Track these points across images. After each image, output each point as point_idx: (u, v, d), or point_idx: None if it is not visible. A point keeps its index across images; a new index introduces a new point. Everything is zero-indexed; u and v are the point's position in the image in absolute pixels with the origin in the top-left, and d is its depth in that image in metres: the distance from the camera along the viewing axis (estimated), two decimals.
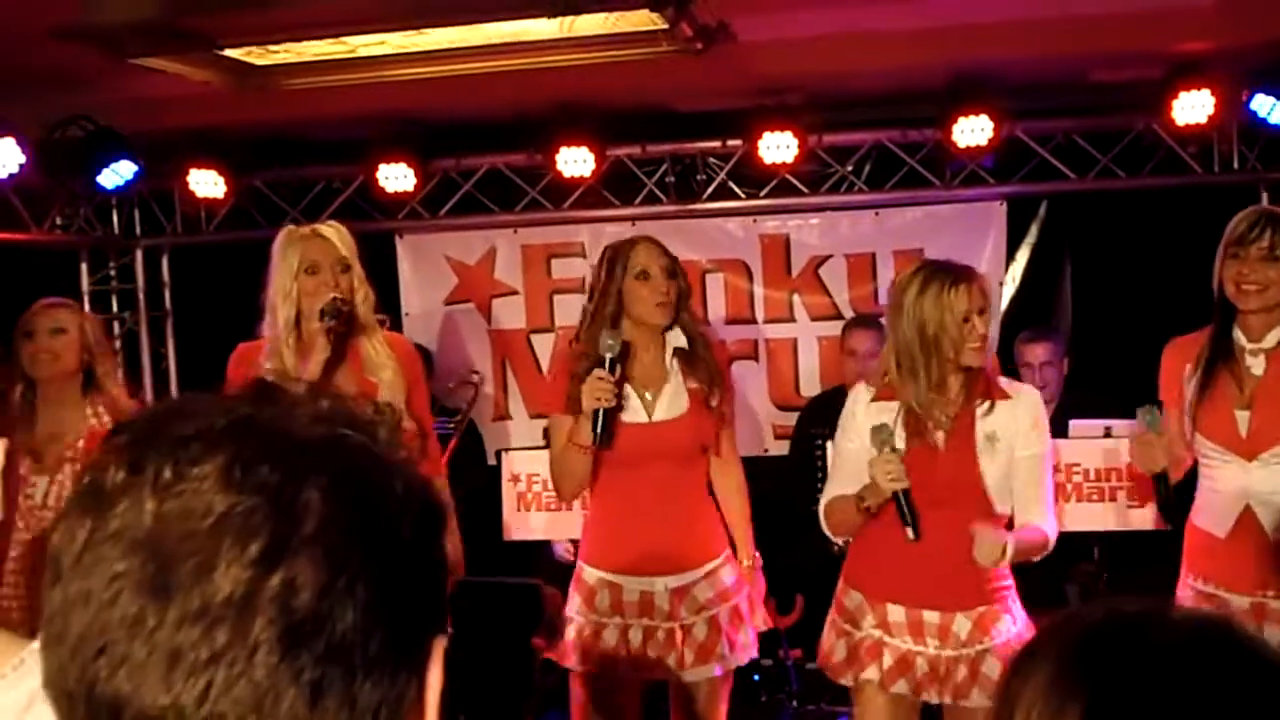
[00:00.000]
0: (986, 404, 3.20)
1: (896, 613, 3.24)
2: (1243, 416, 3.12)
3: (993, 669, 3.16)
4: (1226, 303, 3.16)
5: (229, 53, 3.97)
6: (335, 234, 3.36)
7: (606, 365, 3.29)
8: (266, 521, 0.73)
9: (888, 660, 3.23)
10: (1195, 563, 3.28)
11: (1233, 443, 3.13)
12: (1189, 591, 3.28)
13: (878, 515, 3.24)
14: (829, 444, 4.84)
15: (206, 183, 5.75)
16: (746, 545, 3.67)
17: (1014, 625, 3.24)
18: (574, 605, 3.57)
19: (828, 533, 3.46)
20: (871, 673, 3.24)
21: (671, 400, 3.50)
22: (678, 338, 3.53)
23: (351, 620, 0.74)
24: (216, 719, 0.72)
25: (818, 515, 4.85)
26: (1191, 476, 3.34)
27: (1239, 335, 3.18)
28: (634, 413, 3.48)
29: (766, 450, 6.01)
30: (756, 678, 5.62)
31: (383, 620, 0.75)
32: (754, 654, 3.65)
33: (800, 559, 5.33)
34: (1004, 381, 3.31)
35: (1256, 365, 3.16)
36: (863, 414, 3.29)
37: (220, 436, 0.76)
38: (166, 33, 3.72)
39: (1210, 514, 3.21)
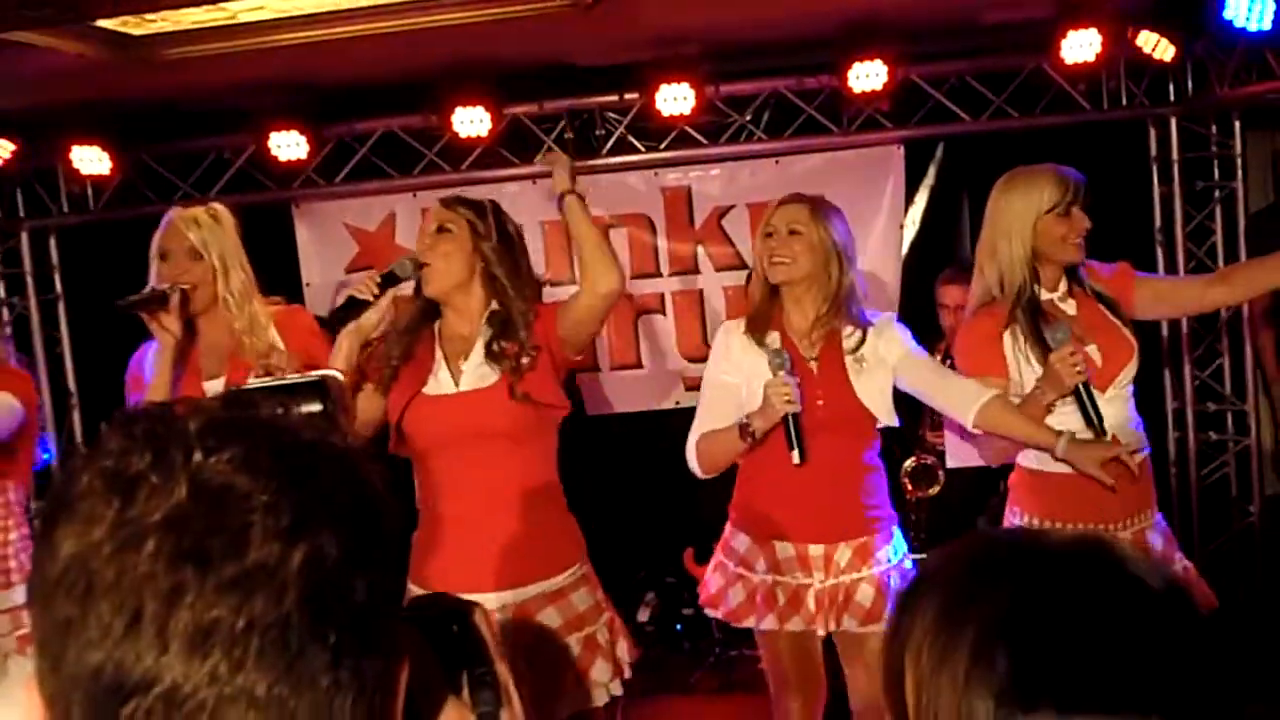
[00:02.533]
0: (849, 327, 3.35)
1: (784, 549, 3.32)
2: (1092, 350, 3.31)
3: (866, 596, 3.28)
4: (1038, 260, 3.33)
5: (102, 23, 3.83)
6: (188, 220, 3.29)
7: (384, 278, 3.08)
8: (289, 501, 0.78)
9: (781, 600, 3.31)
10: (1053, 508, 3.36)
11: (1092, 376, 3.27)
12: None
13: (758, 449, 3.30)
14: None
15: (91, 159, 5.56)
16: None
17: (893, 555, 3.35)
18: None
19: (695, 469, 3.42)
20: (770, 621, 3.32)
21: (478, 369, 3.10)
22: (493, 303, 3.17)
23: (363, 594, 0.80)
24: (249, 688, 0.75)
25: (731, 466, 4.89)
26: None
27: (1038, 290, 3.36)
28: (440, 384, 3.11)
29: (678, 403, 6.03)
30: (679, 628, 5.69)
31: (380, 600, 0.82)
32: (616, 692, 3.12)
33: (715, 508, 5.38)
34: (866, 311, 3.42)
35: (1069, 307, 3.38)
36: (738, 347, 3.35)
37: (232, 430, 0.81)
38: (35, 3, 3.58)
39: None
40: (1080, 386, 3.19)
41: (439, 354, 3.15)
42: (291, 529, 0.78)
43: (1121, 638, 0.91)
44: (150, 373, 3.25)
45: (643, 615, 5.79)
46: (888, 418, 3.35)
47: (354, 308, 3.03)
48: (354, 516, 0.82)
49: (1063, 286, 3.39)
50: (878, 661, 3.43)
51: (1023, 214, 3.32)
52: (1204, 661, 0.92)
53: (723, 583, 3.42)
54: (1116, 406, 3.33)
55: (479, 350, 3.11)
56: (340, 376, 1.04)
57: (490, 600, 2.94)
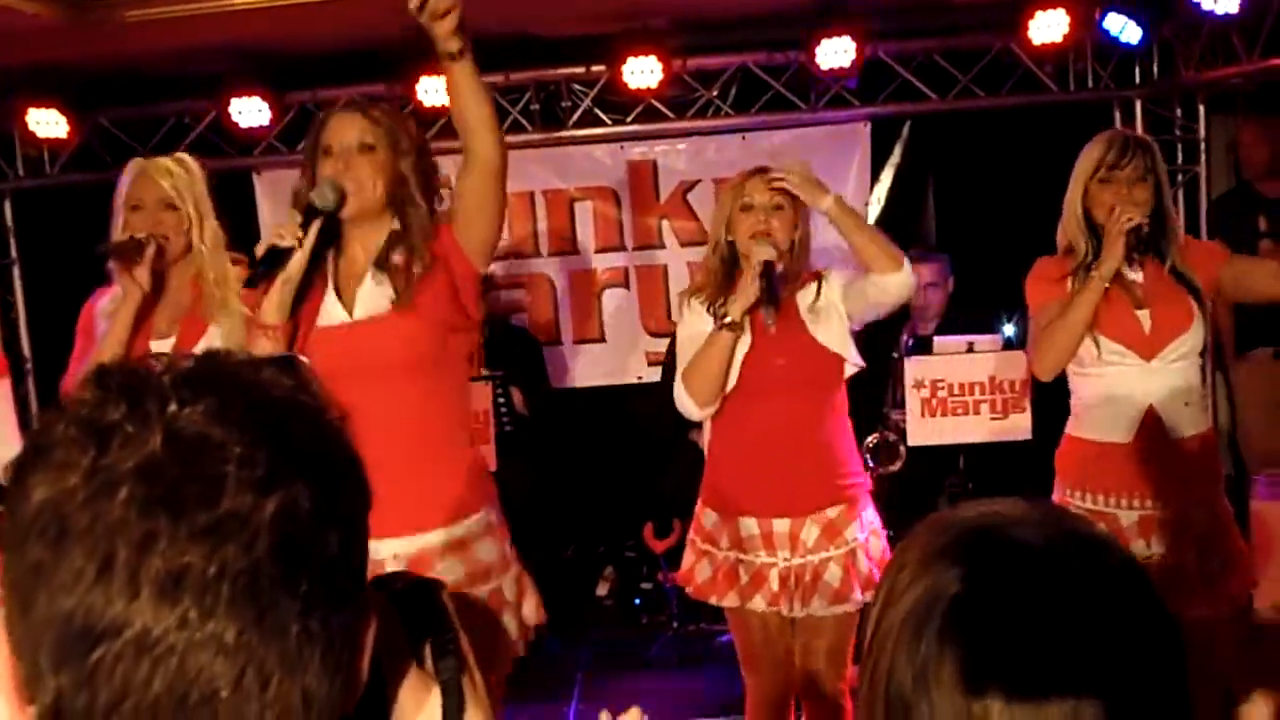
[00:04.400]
0: (800, 284, 3.31)
1: (749, 525, 3.29)
2: (1143, 315, 3.23)
3: (834, 576, 3.24)
4: (1093, 225, 3.26)
5: None
6: (161, 169, 3.18)
7: (304, 215, 2.70)
8: (264, 453, 0.79)
9: (744, 578, 3.29)
10: (1081, 477, 3.32)
11: (1136, 341, 3.22)
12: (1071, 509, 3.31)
13: (725, 423, 3.30)
14: None
15: (48, 122, 5.49)
16: None
17: (861, 532, 3.29)
18: None
19: (689, 406, 3.31)
20: (731, 598, 3.30)
21: (371, 294, 2.76)
22: (393, 222, 2.80)
23: (334, 548, 0.81)
24: (219, 634, 0.76)
25: (693, 443, 4.91)
26: (1057, 393, 3.44)
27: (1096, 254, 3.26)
28: (331, 314, 2.78)
29: (640, 377, 6.04)
30: (638, 602, 5.70)
31: (350, 554, 0.83)
32: (520, 653, 2.88)
33: (675, 483, 5.40)
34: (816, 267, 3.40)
35: (1133, 274, 3.29)
36: (701, 311, 3.34)
37: (207, 382, 0.82)
38: None
39: (1106, 422, 3.27)
40: (1131, 234, 3.13)
41: (330, 280, 2.81)
42: (265, 480, 0.78)
43: (1052, 621, 0.91)
44: (103, 325, 3.17)
45: (601, 589, 5.80)
46: (854, 357, 3.30)
47: (280, 257, 2.67)
48: (326, 471, 0.83)
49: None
50: (836, 638, 3.37)
51: (1077, 178, 3.28)
52: (1141, 645, 0.93)
53: (692, 559, 3.42)
54: (1162, 379, 3.24)
55: (374, 273, 2.77)
56: (305, 360, 0.97)
57: (385, 548, 2.66)
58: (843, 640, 3.31)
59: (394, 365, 2.72)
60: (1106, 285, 3.17)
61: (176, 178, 3.19)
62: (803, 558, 3.25)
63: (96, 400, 0.80)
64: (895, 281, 3.17)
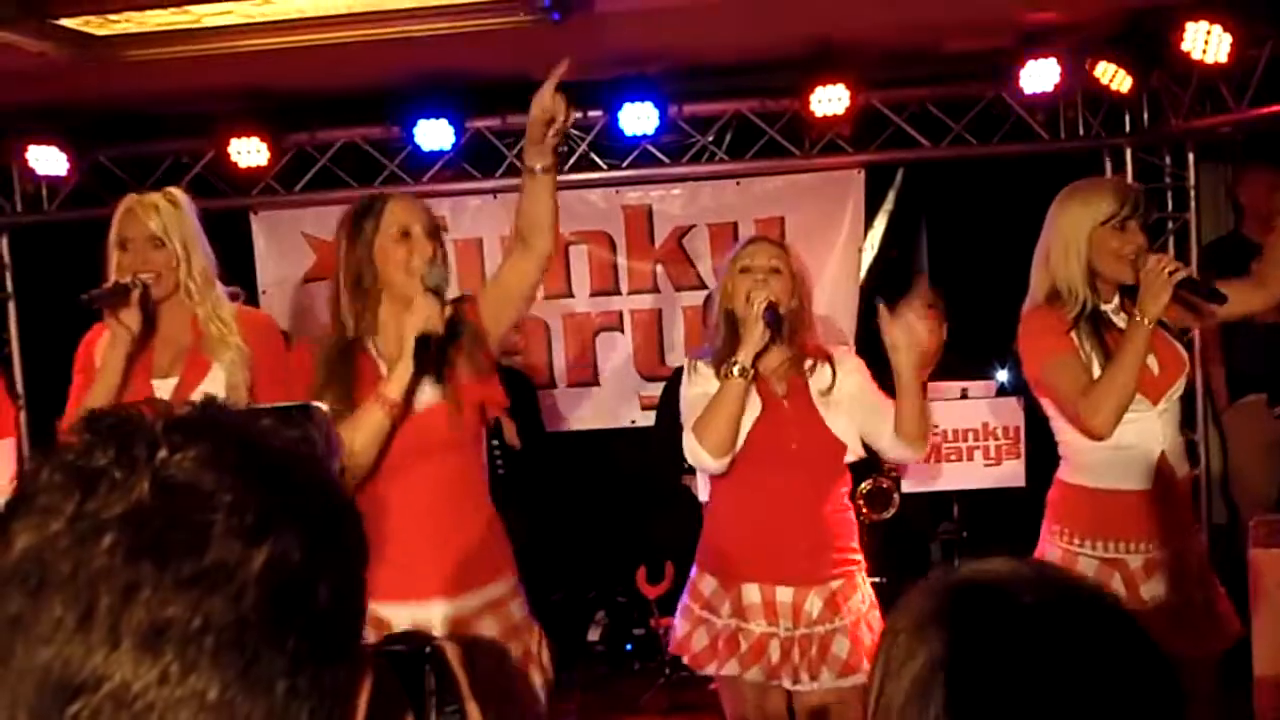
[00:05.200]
0: (811, 362, 3.34)
1: (751, 593, 3.26)
2: (1151, 360, 3.22)
3: (842, 648, 3.22)
4: (1093, 273, 3.25)
5: (65, 22, 3.78)
6: (148, 206, 3.18)
7: (438, 299, 2.89)
8: (254, 501, 0.77)
9: (743, 647, 3.25)
10: (1090, 526, 3.27)
11: (1148, 386, 3.21)
12: (1084, 559, 3.24)
13: (725, 486, 3.29)
14: None
15: (47, 159, 5.51)
16: None
17: (863, 604, 3.30)
18: None
19: (700, 455, 3.24)
20: (731, 667, 3.26)
21: (420, 386, 2.94)
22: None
23: (325, 600, 0.78)
24: (201, 690, 0.73)
25: (686, 488, 4.89)
26: (1049, 439, 3.44)
27: (1098, 302, 3.28)
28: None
29: (634, 421, 6.04)
30: (629, 647, 5.67)
31: (343, 607, 0.81)
32: (544, 704, 3.04)
33: (669, 528, 5.38)
34: (826, 345, 3.44)
35: (1120, 321, 3.28)
36: (709, 373, 3.32)
37: (199, 428, 0.80)
38: None
39: (1119, 470, 3.23)
40: (1181, 285, 3.10)
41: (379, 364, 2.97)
42: (255, 529, 0.76)
43: (1054, 681, 0.92)
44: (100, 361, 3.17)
45: (593, 634, 5.77)
46: (857, 447, 3.31)
47: (429, 343, 2.85)
48: (319, 521, 0.81)
49: (1116, 300, 3.31)
50: (844, 712, 3.28)
51: (1078, 224, 3.25)
52: (1141, 697, 0.94)
53: (688, 628, 3.37)
54: (1164, 422, 3.26)
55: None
56: (326, 408, 0.97)
57: (434, 610, 2.87)
58: (851, 714, 3.28)
59: (442, 447, 2.94)
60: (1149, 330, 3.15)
61: (164, 214, 3.17)
62: (807, 629, 3.22)
63: (85, 445, 0.78)
64: (907, 452, 3.33)
